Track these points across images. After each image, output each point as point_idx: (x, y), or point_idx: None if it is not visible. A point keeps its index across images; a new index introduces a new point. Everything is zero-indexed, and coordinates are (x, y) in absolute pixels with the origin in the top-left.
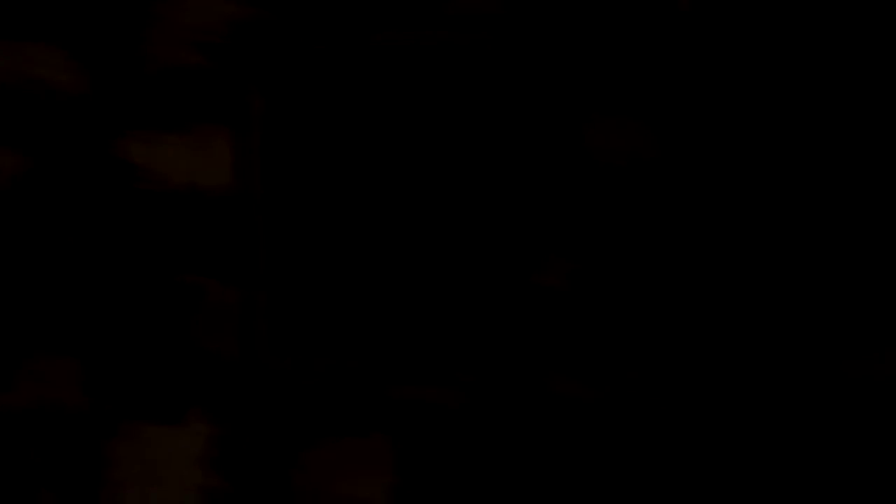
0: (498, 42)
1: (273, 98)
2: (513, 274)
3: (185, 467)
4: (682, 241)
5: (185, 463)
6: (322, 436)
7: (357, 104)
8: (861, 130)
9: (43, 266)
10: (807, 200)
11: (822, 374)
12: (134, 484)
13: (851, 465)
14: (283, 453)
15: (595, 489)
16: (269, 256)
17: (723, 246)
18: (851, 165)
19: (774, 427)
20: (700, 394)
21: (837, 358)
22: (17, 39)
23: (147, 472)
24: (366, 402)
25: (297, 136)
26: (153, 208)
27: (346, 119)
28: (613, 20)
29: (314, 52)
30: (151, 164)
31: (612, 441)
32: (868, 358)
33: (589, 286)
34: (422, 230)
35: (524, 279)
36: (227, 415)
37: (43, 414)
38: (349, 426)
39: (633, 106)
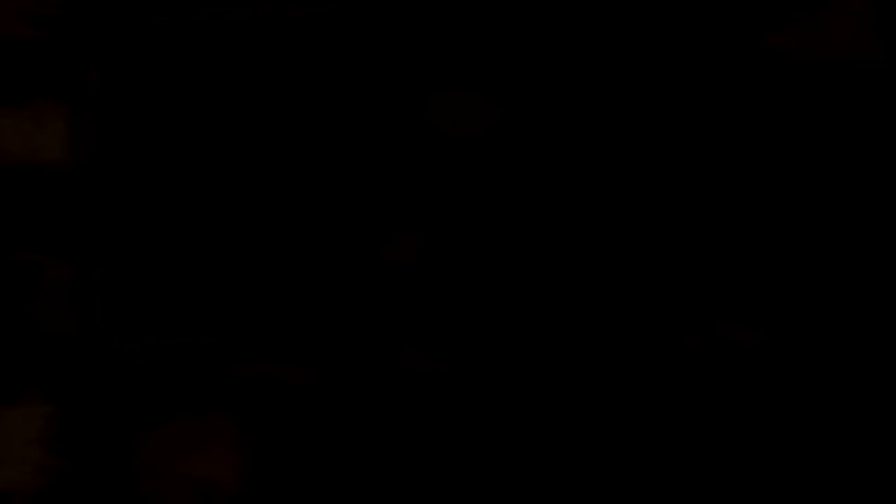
0: (337, 14)
1: (109, 72)
2: (359, 249)
3: (25, 447)
4: (526, 213)
5: (25, 443)
6: (165, 414)
7: (193, 77)
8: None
9: None
10: (649, 174)
11: (662, 344)
12: None
13: (690, 431)
14: (123, 432)
15: (445, 462)
16: (105, 232)
17: (567, 218)
18: (690, 140)
19: (620, 396)
20: (547, 365)
21: (677, 328)
22: None
23: None
24: (209, 379)
25: (134, 111)
26: None
27: (182, 93)
28: None
29: (150, 25)
30: None
31: (462, 414)
32: (705, 327)
33: (437, 260)
34: (264, 204)
35: (371, 254)
36: (65, 394)
37: None
38: (192, 404)
39: (477, 79)
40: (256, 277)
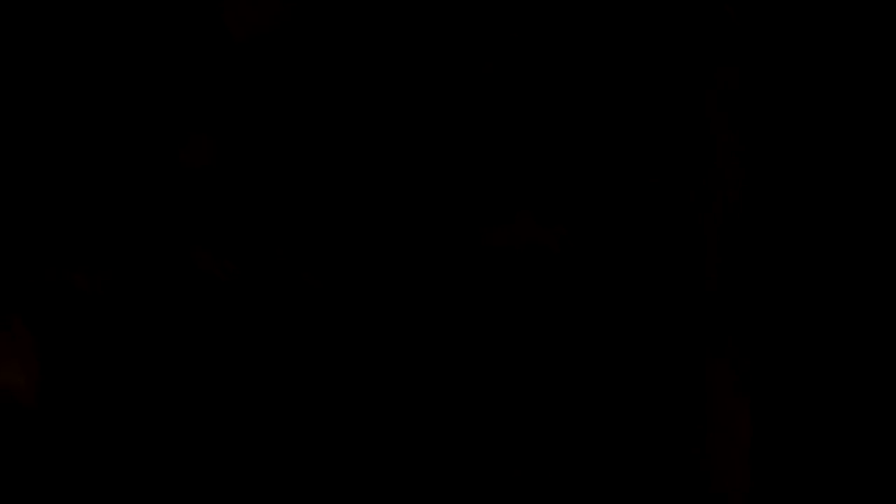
0: None
1: None
2: (154, 151)
3: None
4: (324, 113)
5: None
6: None
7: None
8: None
9: None
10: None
11: (457, 244)
12: None
13: (489, 331)
14: None
15: (243, 364)
16: None
17: (365, 116)
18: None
19: (419, 296)
20: (347, 266)
21: (472, 228)
22: None
23: None
24: (3, 286)
25: None
26: None
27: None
28: None
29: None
30: None
31: (256, 318)
32: (501, 227)
33: (231, 162)
34: (58, 108)
35: (166, 156)
36: None
37: None
38: None
39: None
40: (49, 181)
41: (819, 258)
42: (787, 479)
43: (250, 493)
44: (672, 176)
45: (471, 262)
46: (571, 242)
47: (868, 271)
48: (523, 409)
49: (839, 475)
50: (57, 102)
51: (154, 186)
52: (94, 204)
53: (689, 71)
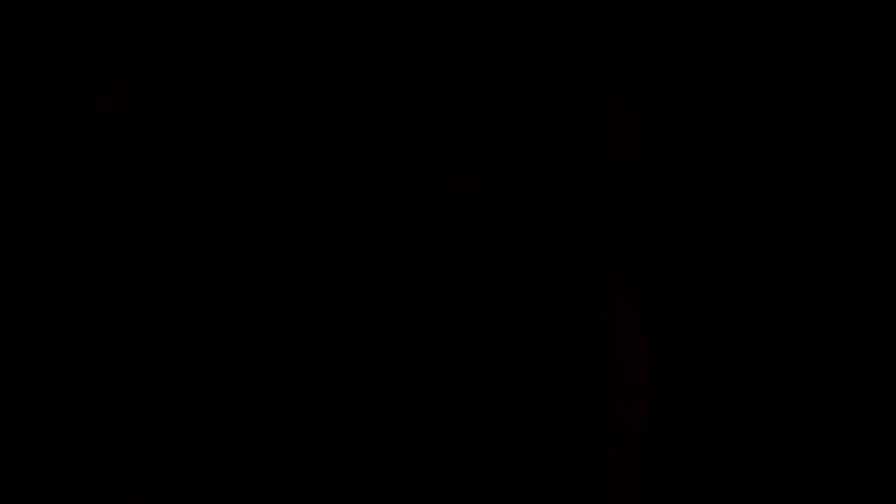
0: None
1: None
2: (73, 98)
3: None
4: (235, 58)
5: None
6: None
7: None
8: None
9: None
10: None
11: (373, 189)
12: None
13: (391, 277)
14: None
15: (160, 315)
16: None
17: (281, 66)
18: None
19: (334, 243)
20: (265, 216)
21: (387, 173)
22: None
23: None
24: None
25: None
26: None
27: None
28: None
29: None
30: None
31: (180, 269)
32: (418, 172)
33: (152, 111)
34: None
35: (85, 104)
36: None
37: None
38: None
39: None
40: None
41: (716, 201)
42: (685, 420)
43: (161, 446)
44: (572, 122)
45: (386, 208)
46: (487, 189)
47: (768, 213)
48: (427, 348)
49: (738, 415)
50: None
51: (74, 134)
52: (12, 152)
53: (590, 21)
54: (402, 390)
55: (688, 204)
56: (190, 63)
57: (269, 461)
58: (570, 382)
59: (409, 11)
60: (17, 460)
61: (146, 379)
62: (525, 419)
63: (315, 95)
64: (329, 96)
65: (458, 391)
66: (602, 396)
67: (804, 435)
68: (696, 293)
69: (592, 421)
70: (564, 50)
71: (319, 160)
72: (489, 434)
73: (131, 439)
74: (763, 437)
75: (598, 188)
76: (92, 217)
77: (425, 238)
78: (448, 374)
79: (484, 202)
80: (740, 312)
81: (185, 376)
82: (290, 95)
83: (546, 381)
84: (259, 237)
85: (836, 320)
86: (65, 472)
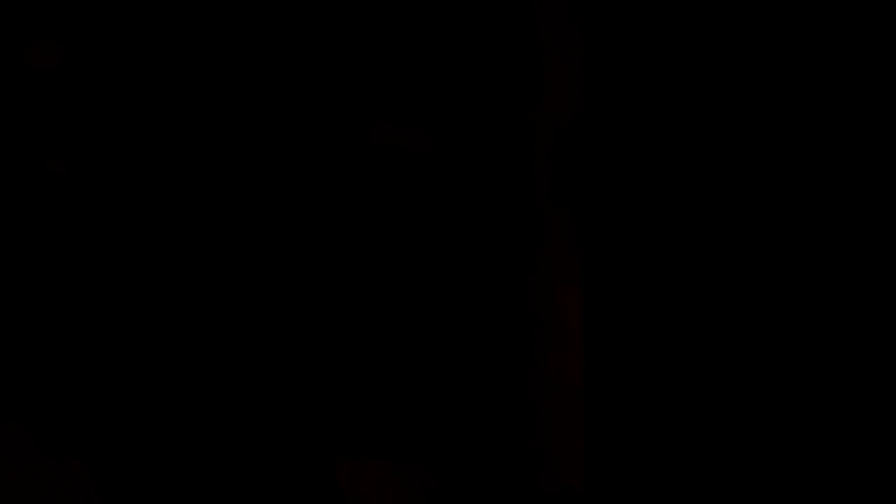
0: None
1: None
2: (2, 54)
3: None
4: (171, 11)
5: None
6: None
7: None
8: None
9: None
10: None
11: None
12: None
13: (328, 234)
14: None
15: (91, 268)
16: None
17: (226, 22)
18: None
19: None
20: (200, 174)
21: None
22: None
23: None
24: None
25: None
26: None
27: None
28: None
29: None
30: None
31: (114, 228)
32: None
33: (82, 65)
34: None
35: (13, 59)
36: None
37: None
38: None
39: None
40: None
41: (654, 155)
42: (621, 372)
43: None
44: (510, 76)
45: (327, 162)
46: (427, 143)
47: (703, 167)
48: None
49: (676, 370)
50: None
51: (3, 89)
52: None
53: None
54: (339, 341)
55: (626, 157)
56: (121, 16)
57: (218, 430)
58: (506, 333)
59: None
60: None
61: (79, 336)
62: (463, 368)
63: (250, 47)
64: (265, 46)
65: (392, 339)
66: (538, 346)
67: (733, 385)
68: (633, 247)
69: (529, 369)
70: (501, 4)
71: (253, 112)
72: (429, 384)
73: (71, 404)
74: (696, 389)
75: (536, 142)
76: (22, 173)
77: (364, 190)
78: (383, 325)
79: (422, 155)
80: (676, 267)
81: (127, 336)
82: (223, 48)
83: (482, 331)
84: (195, 193)
85: (767, 276)
86: None
